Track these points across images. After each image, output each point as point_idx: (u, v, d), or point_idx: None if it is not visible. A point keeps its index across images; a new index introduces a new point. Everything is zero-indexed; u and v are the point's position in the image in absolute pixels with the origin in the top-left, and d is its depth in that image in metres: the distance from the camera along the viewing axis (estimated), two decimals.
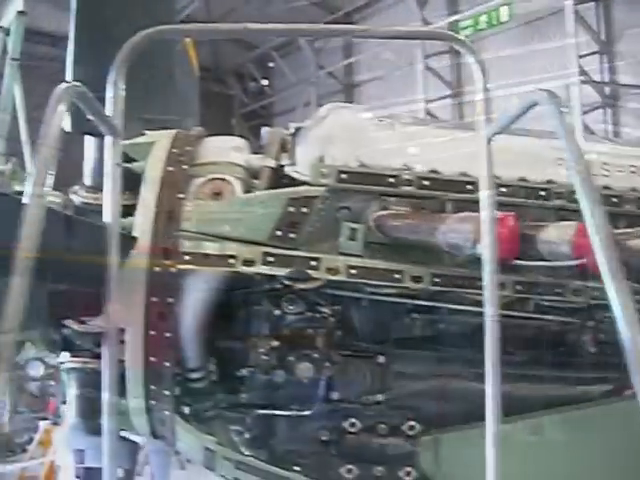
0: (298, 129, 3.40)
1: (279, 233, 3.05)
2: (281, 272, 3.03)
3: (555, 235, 2.85)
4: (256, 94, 25.95)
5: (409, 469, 3.20)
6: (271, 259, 3.02)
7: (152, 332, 3.06)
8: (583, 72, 16.29)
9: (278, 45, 24.11)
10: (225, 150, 3.40)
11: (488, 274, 2.25)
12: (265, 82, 26.01)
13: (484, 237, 2.29)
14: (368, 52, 21.34)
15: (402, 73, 20.40)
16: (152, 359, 3.09)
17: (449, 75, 19.96)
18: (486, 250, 2.28)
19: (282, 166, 3.29)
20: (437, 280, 3.01)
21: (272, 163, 3.30)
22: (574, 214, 3.06)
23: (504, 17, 17.78)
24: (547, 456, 3.22)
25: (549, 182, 3.13)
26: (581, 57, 16.26)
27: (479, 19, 18.39)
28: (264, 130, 3.60)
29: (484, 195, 2.28)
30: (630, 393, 3.27)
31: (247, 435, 3.42)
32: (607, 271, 1.75)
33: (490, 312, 2.23)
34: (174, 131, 3.45)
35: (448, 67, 19.78)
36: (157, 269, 3.04)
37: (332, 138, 3.16)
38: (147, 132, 3.49)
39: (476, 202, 2.59)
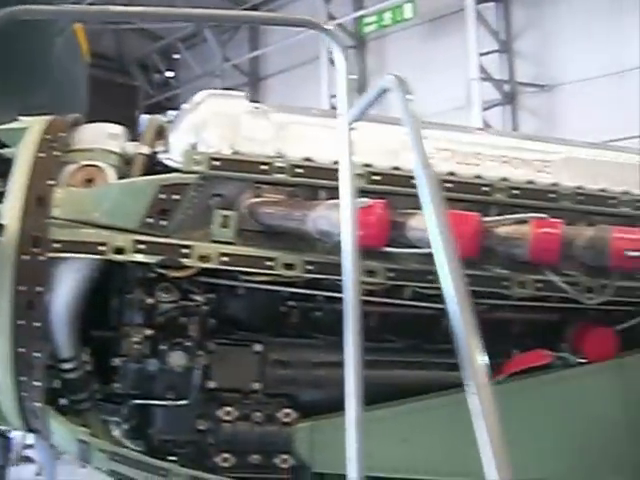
0: (176, 116, 3.37)
1: (150, 220, 3.01)
2: (152, 260, 2.99)
3: (424, 222, 2.91)
4: (161, 86, 25.59)
5: (285, 456, 3.22)
6: (142, 247, 2.98)
7: (20, 322, 2.98)
8: (483, 70, 16.66)
9: (184, 36, 23.85)
10: (100, 137, 3.34)
11: (347, 261, 2.27)
12: (170, 74, 25.67)
13: (344, 224, 2.31)
14: (275, 45, 21.35)
15: (307, 67, 20.48)
16: (21, 350, 3.02)
17: (353, 70, 20.07)
18: (345, 236, 2.30)
19: (156, 153, 3.25)
20: (310, 267, 3.03)
21: (146, 150, 3.26)
22: (448, 202, 3.15)
23: (408, 14, 18.02)
24: (423, 440, 3.29)
25: None
26: (482, 55, 16.61)
27: (383, 15, 18.59)
28: (142, 117, 3.55)
29: (344, 182, 2.30)
30: (501, 378, 3.39)
31: (124, 426, 3.38)
32: (443, 256, 1.78)
33: (350, 298, 2.25)
34: (49, 117, 3.36)
35: (352, 60, 19.87)
36: (25, 257, 2.97)
37: (206, 125, 3.13)
38: (21, 118, 3.40)
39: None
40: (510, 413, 3.27)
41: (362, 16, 19.17)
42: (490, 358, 3.42)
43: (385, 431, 3.17)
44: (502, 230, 2.98)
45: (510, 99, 16.98)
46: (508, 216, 3.00)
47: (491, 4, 17.34)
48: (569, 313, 3.41)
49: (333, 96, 19.70)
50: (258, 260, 3.01)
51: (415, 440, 3.26)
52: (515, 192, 3.22)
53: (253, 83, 23.21)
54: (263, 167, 3.07)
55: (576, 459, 3.30)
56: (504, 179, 3.25)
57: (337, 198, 2.88)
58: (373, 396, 3.28)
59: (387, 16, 18.48)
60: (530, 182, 3.29)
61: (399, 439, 3.26)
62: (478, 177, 3.23)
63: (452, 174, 3.21)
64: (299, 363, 3.31)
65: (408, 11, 17.95)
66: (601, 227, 3.14)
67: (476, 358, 1.75)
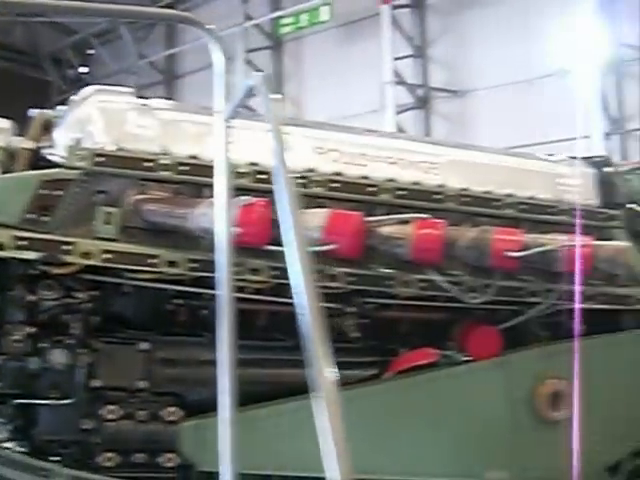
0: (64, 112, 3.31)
1: (31, 216, 2.95)
2: (33, 256, 2.93)
3: (308, 221, 2.93)
4: (74, 81, 25.05)
5: (171, 455, 3.19)
6: (23, 243, 2.91)
7: None
8: (397, 74, 16.87)
9: (98, 32, 23.44)
10: None
11: (221, 257, 2.27)
12: (84, 69, 25.19)
13: (218, 220, 2.30)
14: (191, 44, 21.16)
15: None
16: None
17: (270, 69, 20.09)
18: (220, 233, 2.29)
19: (41, 148, 3.19)
20: (194, 265, 3.01)
21: (30, 145, 3.19)
22: (331, 201, 3.18)
23: (324, 16, 18.13)
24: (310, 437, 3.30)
25: (309, 170, 3.21)
26: (396, 60, 16.82)
27: (300, 17, 18.65)
28: (31, 111, 3.48)
29: (219, 179, 2.30)
30: (388, 376, 3.44)
31: (9, 427, 3.30)
32: (295, 255, 1.79)
33: (223, 295, 2.25)
34: None
35: (268, 62, 19.90)
36: None
37: (91, 120, 3.08)
38: None
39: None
40: (396, 409, 3.36)
41: (279, 17, 19.20)
42: (379, 356, 3.51)
43: (271, 428, 3.18)
44: (385, 230, 3.03)
45: (423, 104, 17.24)
46: (391, 216, 3.06)
47: (406, 10, 17.58)
48: (455, 312, 3.49)
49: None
50: (141, 257, 2.99)
51: (301, 437, 3.27)
52: (401, 193, 3.27)
53: (169, 81, 22.97)
54: (148, 164, 3.04)
55: (459, 454, 3.37)
56: (390, 180, 3.30)
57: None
58: (262, 394, 3.31)
59: (304, 18, 18.55)
60: (416, 183, 3.34)
61: (287, 436, 3.27)
62: (365, 178, 3.27)
63: (339, 174, 3.24)
64: (186, 361, 3.30)
65: (324, 14, 18.06)
66: (483, 228, 3.22)
67: (322, 359, 1.76)
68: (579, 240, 3.25)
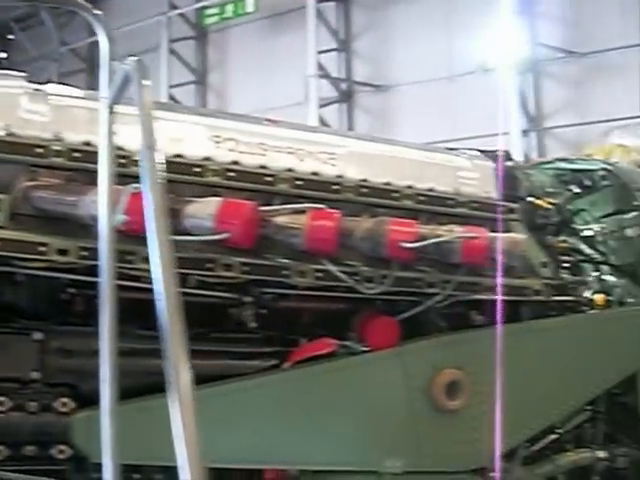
0: None
1: None
2: None
3: (200, 210, 2.91)
4: None
5: (63, 447, 3.13)
6: None
7: None
8: (322, 68, 16.93)
9: (18, 16, 22.87)
10: None
11: (103, 245, 2.23)
12: (3, 55, 24.54)
13: (100, 207, 2.27)
14: (115, 32, 20.80)
15: (148, 55, 20.08)
16: None
17: (194, 61, 19.94)
18: (102, 220, 2.26)
19: None
20: (85, 253, 2.95)
21: None
22: (227, 190, 3.16)
23: (249, 8, 18.08)
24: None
25: (206, 159, 3.18)
26: (320, 53, 16.88)
27: (225, 8, 18.55)
28: None
29: (103, 166, 2.26)
30: (286, 367, 3.44)
31: None
32: (155, 242, 1.77)
33: (105, 283, 2.21)
34: None
35: (193, 52, 19.75)
36: None
37: None
38: None
39: (125, 176, 2.58)
40: (294, 399, 3.36)
41: (204, 7, 19.06)
42: (279, 347, 3.50)
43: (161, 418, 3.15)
44: (279, 219, 3.03)
45: (347, 97, 17.36)
46: (286, 206, 3.05)
47: (331, 3, 17.67)
48: (354, 303, 3.51)
49: (172, 86, 19.46)
50: (31, 245, 2.91)
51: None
52: (299, 183, 3.27)
53: (91, 69, 22.54)
54: (39, 150, 2.97)
55: (356, 443, 3.39)
56: (289, 170, 3.30)
57: (116, 184, 2.83)
58: (157, 385, 3.26)
59: (229, 9, 18.47)
60: (315, 174, 3.35)
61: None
62: (263, 167, 3.26)
63: (236, 163, 3.22)
64: (81, 352, 3.23)
65: (250, 5, 18.03)
66: (379, 219, 3.25)
67: (177, 351, 1.74)
68: (475, 232, 3.31)
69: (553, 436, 4.00)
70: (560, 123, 15.25)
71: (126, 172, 2.67)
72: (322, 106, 16.61)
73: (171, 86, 19.34)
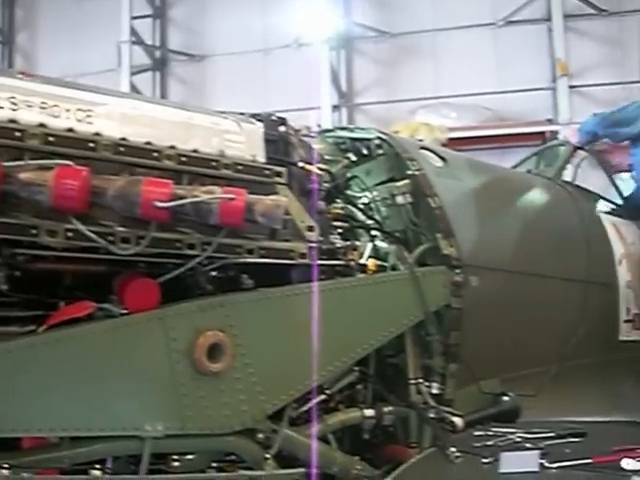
0: None
1: None
2: None
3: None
4: None
5: None
6: None
7: None
8: (135, 34, 16.48)
9: None
10: None
11: None
12: None
13: None
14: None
15: None
16: None
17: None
18: None
19: None
20: None
21: None
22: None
23: None
24: None
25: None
26: (134, 19, 16.41)
27: None
28: None
29: None
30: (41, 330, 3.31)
31: None
32: None
33: None
34: None
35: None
36: None
37: None
38: None
39: None
40: (49, 363, 3.24)
41: None
42: (37, 310, 3.36)
43: None
44: (24, 176, 2.90)
45: (161, 66, 17.00)
46: (31, 162, 2.92)
47: None
48: (114, 265, 3.43)
49: None
50: None
51: None
52: (51, 139, 3.14)
53: None
54: None
55: (117, 408, 3.32)
56: (41, 125, 3.15)
57: None
58: None
59: None
60: (70, 130, 3.22)
61: None
62: (12, 122, 3.10)
63: None
64: None
65: None
66: (133, 178, 3.18)
67: None
68: (234, 193, 3.30)
69: (322, 397, 4.09)
70: (370, 100, 15.65)
71: None
72: (135, 73, 16.16)
73: None
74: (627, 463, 3.38)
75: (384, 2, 15.89)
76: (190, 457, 3.60)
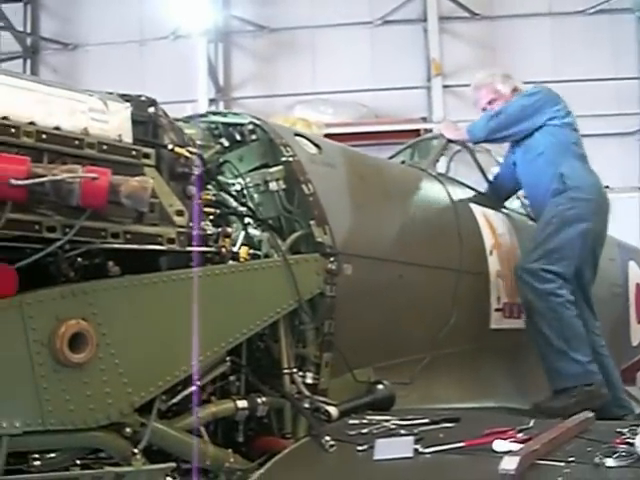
0: None
1: None
2: None
3: None
4: None
5: None
6: None
7: None
8: (5, 19, 15.84)
9: None
10: None
11: None
12: None
13: None
14: None
15: None
16: None
17: None
18: None
19: None
20: None
21: None
22: None
23: None
24: None
25: None
26: (5, 3, 15.78)
27: None
28: None
29: None
30: None
31: None
32: None
33: None
34: None
35: None
36: None
37: None
38: None
39: None
40: None
41: None
42: None
43: None
44: None
45: (32, 53, 16.38)
46: None
47: None
48: None
49: None
50: None
51: None
52: None
53: None
54: None
55: None
56: None
57: None
58: None
59: None
60: None
61: None
62: None
63: None
64: None
65: None
66: None
67: None
68: (96, 173, 3.13)
69: (193, 388, 3.95)
70: (248, 94, 15.56)
71: None
72: (3, 60, 15.50)
73: None
74: (498, 445, 3.42)
75: None
76: (52, 455, 3.40)
